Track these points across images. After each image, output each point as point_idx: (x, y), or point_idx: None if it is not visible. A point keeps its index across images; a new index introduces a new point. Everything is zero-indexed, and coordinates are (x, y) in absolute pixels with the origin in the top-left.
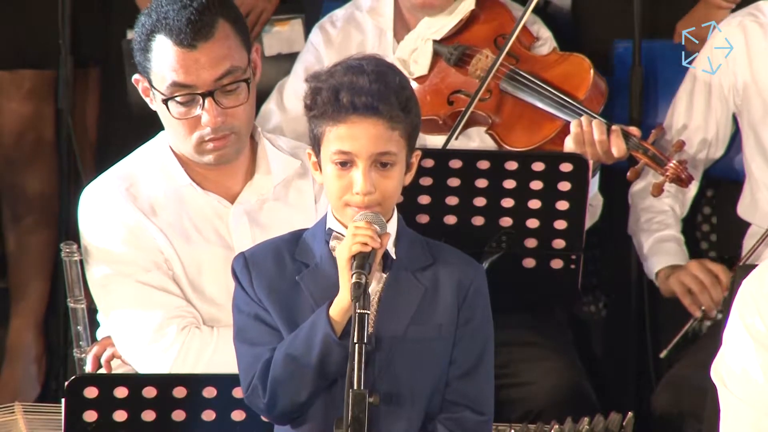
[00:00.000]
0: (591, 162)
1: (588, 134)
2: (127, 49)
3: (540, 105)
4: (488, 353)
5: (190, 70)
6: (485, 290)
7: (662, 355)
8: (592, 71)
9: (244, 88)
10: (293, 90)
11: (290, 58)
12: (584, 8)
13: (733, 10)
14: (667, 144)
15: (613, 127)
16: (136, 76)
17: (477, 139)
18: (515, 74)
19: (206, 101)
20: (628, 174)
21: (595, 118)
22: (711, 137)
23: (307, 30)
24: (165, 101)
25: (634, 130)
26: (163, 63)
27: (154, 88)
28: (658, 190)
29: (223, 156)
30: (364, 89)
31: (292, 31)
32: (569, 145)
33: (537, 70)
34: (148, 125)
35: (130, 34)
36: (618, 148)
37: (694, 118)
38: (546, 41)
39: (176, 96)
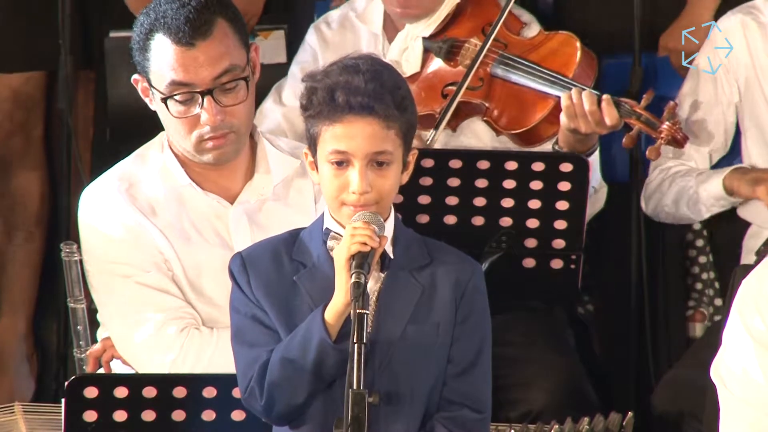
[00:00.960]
0: (586, 133)
1: (578, 106)
2: (110, 47)
3: (532, 85)
4: (486, 351)
5: (189, 68)
6: (483, 288)
7: None
8: (579, 46)
9: (243, 86)
10: (291, 89)
11: (271, 68)
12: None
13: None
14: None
15: (604, 97)
16: (135, 76)
17: (469, 132)
18: (505, 58)
19: (205, 100)
20: (624, 140)
21: (584, 89)
22: (719, 131)
23: (289, 41)
24: (164, 100)
25: (625, 99)
26: (162, 62)
27: (154, 88)
28: (656, 154)
29: (223, 155)
30: (359, 89)
31: (274, 42)
32: (562, 119)
33: (525, 52)
34: (126, 126)
35: (113, 33)
36: (610, 117)
37: (700, 113)
38: (530, 24)
39: (175, 95)
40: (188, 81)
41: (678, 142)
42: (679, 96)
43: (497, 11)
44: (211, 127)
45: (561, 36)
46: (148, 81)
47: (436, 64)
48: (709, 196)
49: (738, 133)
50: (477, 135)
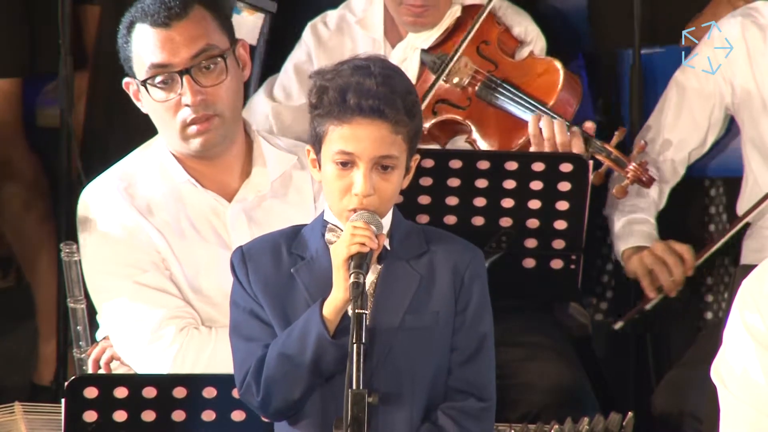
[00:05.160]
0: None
1: (549, 138)
2: None
3: (512, 110)
4: (489, 337)
5: (166, 48)
6: (483, 274)
7: (616, 326)
8: (561, 76)
9: (221, 66)
10: (281, 85)
11: None
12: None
13: None
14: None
15: (573, 129)
16: (125, 80)
17: (468, 146)
18: (490, 81)
19: (184, 80)
20: (592, 178)
21: (555, 119)
22: (697, 144)
23: (277, 30)
24: (144, 83)
25: (589, 127)
26: (142, 48)
27: (137, 79)
28: (621, 193)
29: (209, 141)
30: (371, 91)
31: (252, 22)
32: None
33: (511, 76)
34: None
35: None
36: (577, 148)
37: (680, 129)
38: (534, 40)
39: (155, 77)
40: (166, 62)
41: (644, 183)
42: (662, 105)
43: (494, 28)
44: (192, 108)
45: (546, 62)
46: (134, 75)
47: (430, 79)
48: (616, 247)
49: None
50: None
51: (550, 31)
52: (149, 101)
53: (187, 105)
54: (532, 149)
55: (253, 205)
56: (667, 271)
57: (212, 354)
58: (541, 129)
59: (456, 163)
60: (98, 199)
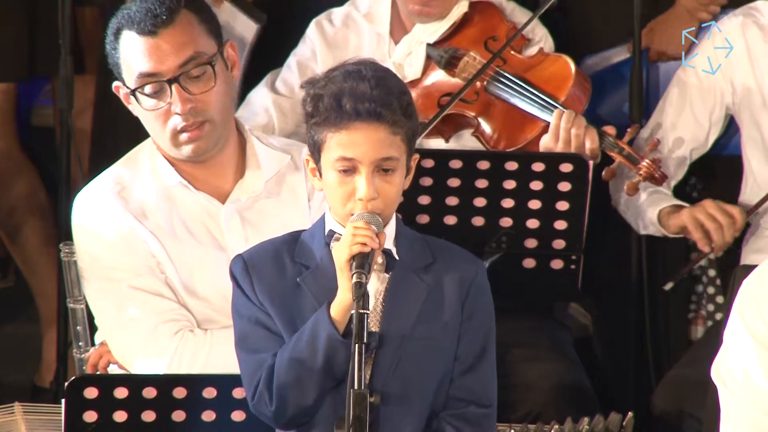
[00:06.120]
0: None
1: (566, 131)
2: None
3: (522, 106)
4: (491, 346)
5: (153, 57)
6: (486, 285)
7: (667, 287)
8: (573, 72)
9: (210, 73)
10: (283, 79)
11: None
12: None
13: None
14: (642, 142)
15: (587, 125)
16: (115, 84)
17: (472, 140)
18: (500, 76)
19: (173, 88)
20: (603, 173)
21: (575, 114)
22: (698, 143)
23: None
24: (133, 92)
25: (609, 128)
26: (130, 56)
27: (126, 86)
28: (633, 189)
29: (200, 147)
30: (366, 95)
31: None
32: (545, 140)
33: (521, 71)
34: None
35: None
36: (591, 141)
37: (682, 127)
38: (541, 39)
39: (144, 86)
40: (154, 71)
41: (656, 179)
42: (665, 100)
43: (502, 23)
44: (182, 116)
45: (557, 58)
46: (123, 82)
47: (436, 73)
48: (648, 217)
49: (738, 134)
50: (467, 147)
51: (555, 30)
52: (139, 108)
53: (177, 113)
54: (545, 143)
55: (246, 206)
56: (720, 230)
57: (208, 357)
58: (562, 123)
59: (456, 163)
60: (92, 204)
